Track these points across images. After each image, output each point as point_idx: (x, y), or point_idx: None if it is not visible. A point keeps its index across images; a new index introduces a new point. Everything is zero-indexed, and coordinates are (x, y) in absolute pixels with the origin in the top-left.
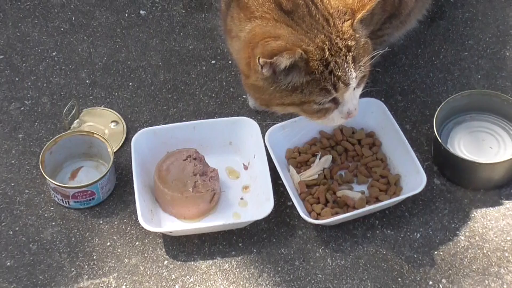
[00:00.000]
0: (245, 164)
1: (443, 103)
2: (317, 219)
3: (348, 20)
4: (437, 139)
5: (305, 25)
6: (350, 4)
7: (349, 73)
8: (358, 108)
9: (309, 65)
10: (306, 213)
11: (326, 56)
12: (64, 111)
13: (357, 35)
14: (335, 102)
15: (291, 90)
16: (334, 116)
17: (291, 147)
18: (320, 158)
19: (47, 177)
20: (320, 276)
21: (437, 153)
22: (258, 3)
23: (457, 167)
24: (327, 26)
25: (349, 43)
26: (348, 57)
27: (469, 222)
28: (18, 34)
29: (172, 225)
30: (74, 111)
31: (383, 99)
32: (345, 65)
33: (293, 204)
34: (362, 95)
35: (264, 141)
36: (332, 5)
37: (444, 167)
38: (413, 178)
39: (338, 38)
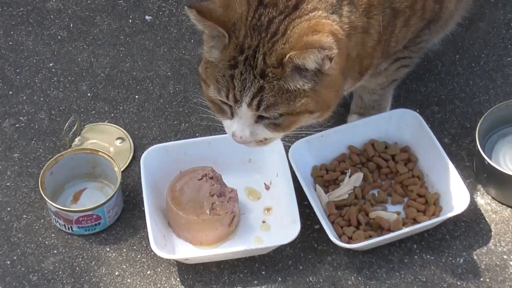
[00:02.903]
0: (266, 184)
1: (486, 114)
2: (348, 243)
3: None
4: (481, 153)
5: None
6: (311, 41)
7: (244, 96)
8: (248, 139)
9: (228, 44)
10: (336, 236)
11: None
12: (65, 127)
13: (287, 70)
14: (230, 109)
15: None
16: (227, 124)
17: (318, 164)
18: (350, 176)
19: (48, 200)
20: None
21: (480, 169)
22: None
23: (503, 184)
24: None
25: (269, 74)
26: (254, 82)
27: None
28: (10, 43)
29: (188, 251)
30: (75, 127)
31: (417, 110)
32: (246, 85)
33: (320, 227)
34: (394, 106)
35: (287, 158)
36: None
37: (489, 184)
38: (454, 196)
39: (262, 55)
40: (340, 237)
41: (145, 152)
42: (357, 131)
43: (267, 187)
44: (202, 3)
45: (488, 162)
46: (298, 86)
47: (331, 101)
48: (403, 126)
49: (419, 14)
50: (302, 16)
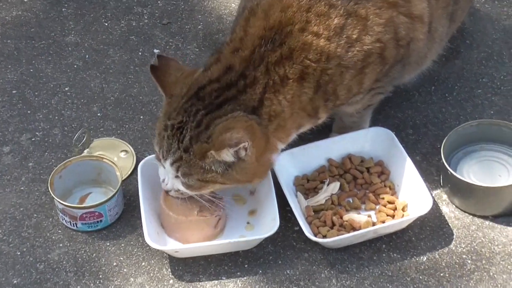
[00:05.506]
0: (251, 190)
1: (451, 132)
2: None
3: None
4: (445, 165)
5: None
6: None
7: (168, 157)
8: (170, 190)
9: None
10: (312, 234)
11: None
12: (75, 138)
13: (206, 161)
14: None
15: None
16: (160, 171)
17: (300, 174)
18: (328, 184)
19: (55, 197)
20: None
21: (445, 181)
22: None
23: (464, 193)
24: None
25: (191, 153)
26: (177, 152)
27: (476, 247)
28: (31, 70)
29: (178, 244)
30: (84, 139)
31: (394, 132)
32: (170, 149)
33: (300, 229)
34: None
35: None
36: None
37: (453, 194)
38: (420, 202)
39: (189, 137)
40: (315, 235)
41: (142, 161)
42: (336, 146)
43: (252, 193)
44: (172, 61)
45: (451, 172)
46: (213, 168)
47: (244, 180)
48: (378, 142)
49: (377, 62)
50: (222, 116)
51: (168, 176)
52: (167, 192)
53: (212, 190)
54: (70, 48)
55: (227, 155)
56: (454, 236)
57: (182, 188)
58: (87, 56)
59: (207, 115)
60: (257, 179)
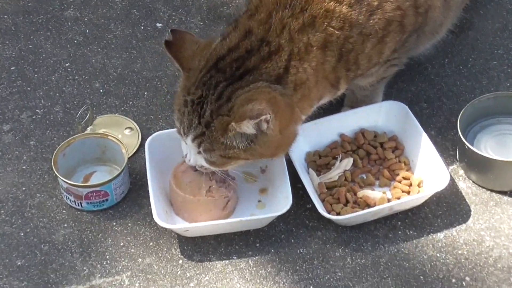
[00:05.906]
0: (262, 168)
1: (468, 105)
2: None
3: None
4: (462, 139)
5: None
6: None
7: (189, 133)
8: (193, 165)
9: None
10: (326, 211)
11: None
12: (78, 115)
13: (229, 134)
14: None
15: None
16: (182, 146)
17: (311, 150)
18: (341, 160)
19: (59, 176)
20: (340, 274)
21: (462, 155)
22: None
23: (482, 167)
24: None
25: (213, 128)
26: (198, 127)
27: (494, 223)
28: (30, 46)
29: (187, 222)
30: (87, 116)
31: (407, 106)
32: (191, 125)
33: (312, 206)
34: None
35: None
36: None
37: (470, 169)
38: (437, 178)
39: (209, 111)
40: (329, 212)
41: (150, 137)
42: (349, 121)
43: (263, 171)
44: (187, 34)
45: (468, 147)
46: (234, 144)
47: (268, 154)
48: (391, 116)
49: (397, 30)
50: (244, 87)
51: (190, 152)
52: (193, 168)
53: (236, 166)
54: (69, 23)
55: (248, 127)
56: (472, 213)
57: (205, 164)
58: (87, 31)
59: (228, 86)
60: (281, 152)
